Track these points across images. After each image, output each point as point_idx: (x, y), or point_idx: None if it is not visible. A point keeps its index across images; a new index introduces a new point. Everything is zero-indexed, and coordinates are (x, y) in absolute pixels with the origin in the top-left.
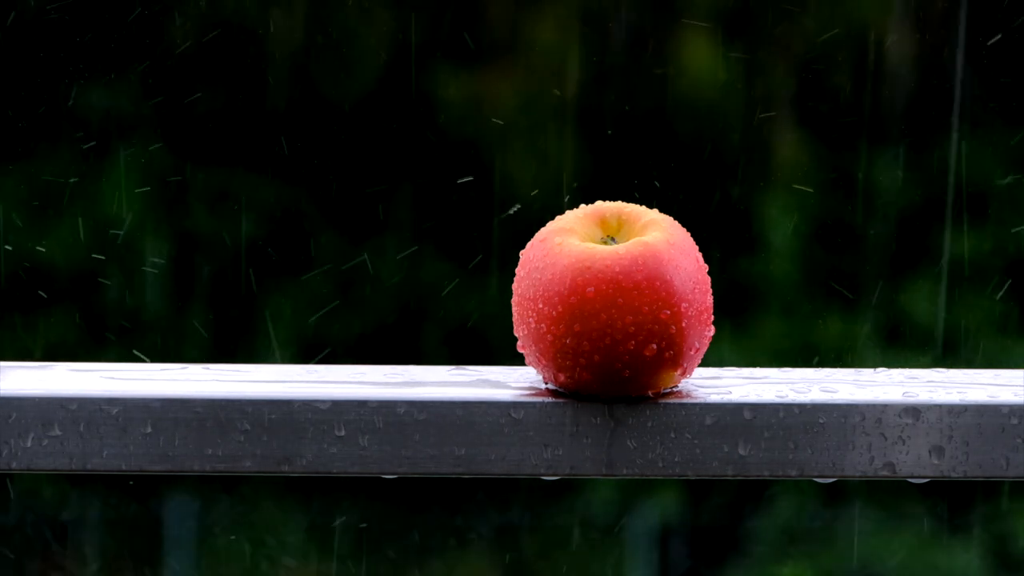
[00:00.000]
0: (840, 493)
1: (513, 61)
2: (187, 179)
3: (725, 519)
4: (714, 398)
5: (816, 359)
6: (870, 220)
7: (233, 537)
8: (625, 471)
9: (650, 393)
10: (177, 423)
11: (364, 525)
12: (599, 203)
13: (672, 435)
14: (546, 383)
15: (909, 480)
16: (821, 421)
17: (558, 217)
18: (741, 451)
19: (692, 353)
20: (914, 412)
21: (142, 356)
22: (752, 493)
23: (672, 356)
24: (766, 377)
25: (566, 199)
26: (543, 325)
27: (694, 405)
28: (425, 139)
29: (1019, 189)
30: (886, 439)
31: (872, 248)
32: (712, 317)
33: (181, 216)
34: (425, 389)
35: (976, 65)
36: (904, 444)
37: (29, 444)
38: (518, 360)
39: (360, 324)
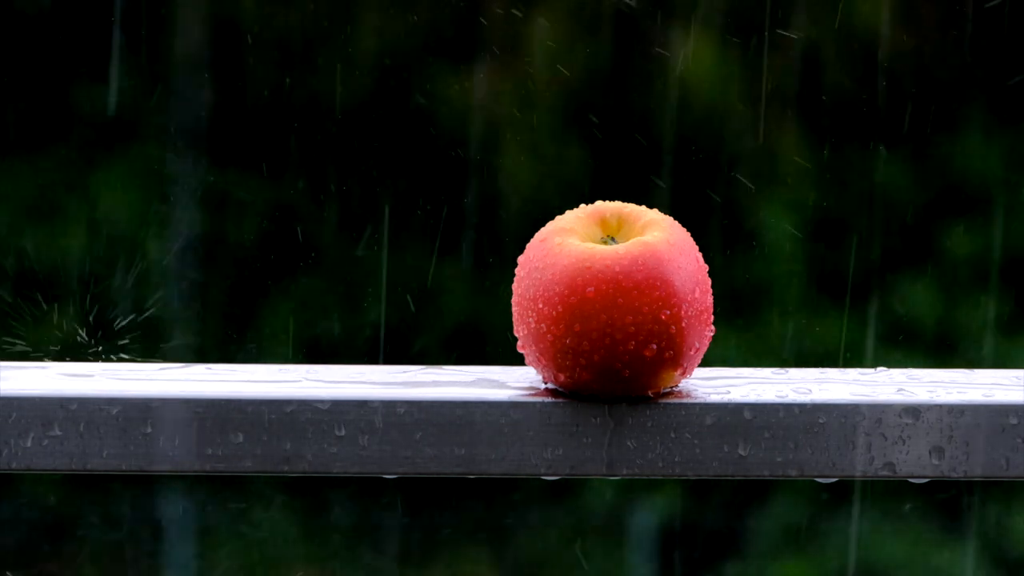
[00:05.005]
0: (840, 493)
1: (512, 60)
2: (187, 179)
3: (725, 519)
4: (714, 398)
5: (816, 359)
6: (870, 219)
7: (232, 537)
8: (625, 471)
9: (650, 393)
10: (177, 423)
11: (364, 525)
12: (599, 203)
13: (672, 435)
14: (546, 383)
15: (909, 480)
16: (821, 421)
17: (558, 217)
18: (741, 451)
19: (692, 353)
20: (914, 412)
21: (142, 356)
22: (752, 493)
23: (672, 356)
24: (766, 377)
25: (565, 199)
26: (543, 325)
27: (694, 405)
28: (424, 139)
29: (1020, 188)
30: (886, 439)
31: (872, 247)
32: (712, 317)
33: (181, 216)
34: (425, 389)
35: (976, 64)
36: (904, 444)
37: (29, 444)
38: (518, 360)
39: (360, 324)
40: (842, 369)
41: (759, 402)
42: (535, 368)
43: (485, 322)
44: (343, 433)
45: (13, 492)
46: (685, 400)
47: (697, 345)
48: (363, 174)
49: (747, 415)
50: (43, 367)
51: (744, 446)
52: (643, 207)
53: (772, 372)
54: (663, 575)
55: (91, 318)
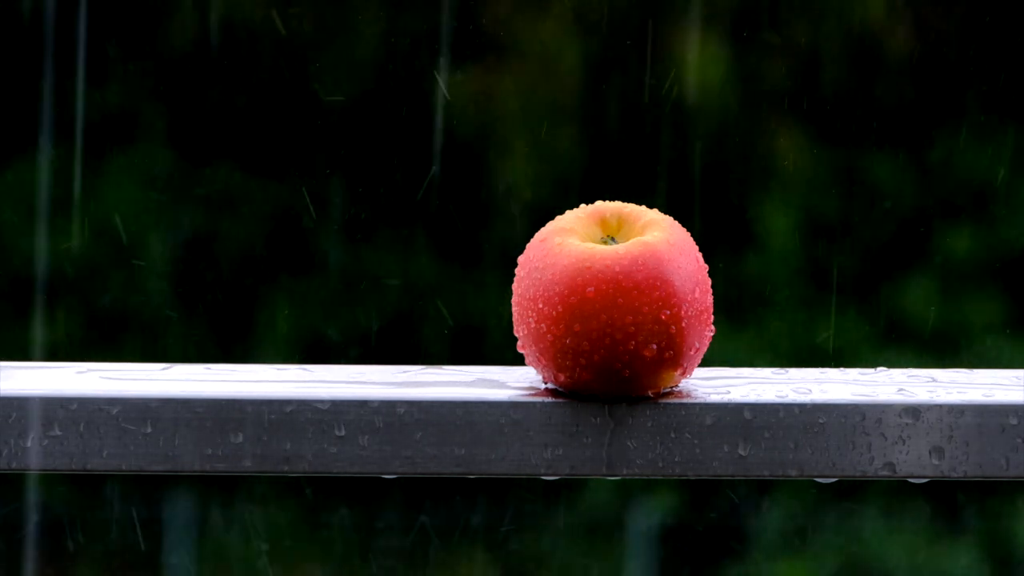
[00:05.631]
0: (840, 493)
1: (513, 60)
2: (187, 179)
3: (725, 519)
4: (714, 398)
5: (816, 359)
6: (870, 219)
7: (233, 537)
8: (625, 471)
9: (650, 393)
10: (177, 423)
11: (363, 525)
12: (599, 203)
13: (672, 435)
14: (546, 383)
15: (909, 480)
16: (821, 421)
17: (558, 217)
18: (741, 451)
19: (692, 353)
20: (914, 412)
21: (142, 356)
22: (752, 493)
23: (672, 356)
24: (766, 377)
25: (566, 198)
26: (543, 325)
27: (694, 405)
28: (424, 138)
29: (1019, 188)
30: (886, 439)
31: (872, 247)
32: (712, 317)
33: (181, 216)
34: (425, 389)
35: (976, 63)
36: (904, 444)
37: (29, 444)
38: (518, 360)
39: (360, 324)
40: (842, 369)
41: (759, 402)
42: (535, 368)
43: (485, 322)
44: (343, 433)
45: (13, 492)
46: (685, 400)
47: (697, 345)
48: (362, 174)
49: (747, 415)
50: (44, 367)
51: (744, 446)
52: (643, 207)
53: (772, 372)
54: (663, 575)
55: (91, 318)
